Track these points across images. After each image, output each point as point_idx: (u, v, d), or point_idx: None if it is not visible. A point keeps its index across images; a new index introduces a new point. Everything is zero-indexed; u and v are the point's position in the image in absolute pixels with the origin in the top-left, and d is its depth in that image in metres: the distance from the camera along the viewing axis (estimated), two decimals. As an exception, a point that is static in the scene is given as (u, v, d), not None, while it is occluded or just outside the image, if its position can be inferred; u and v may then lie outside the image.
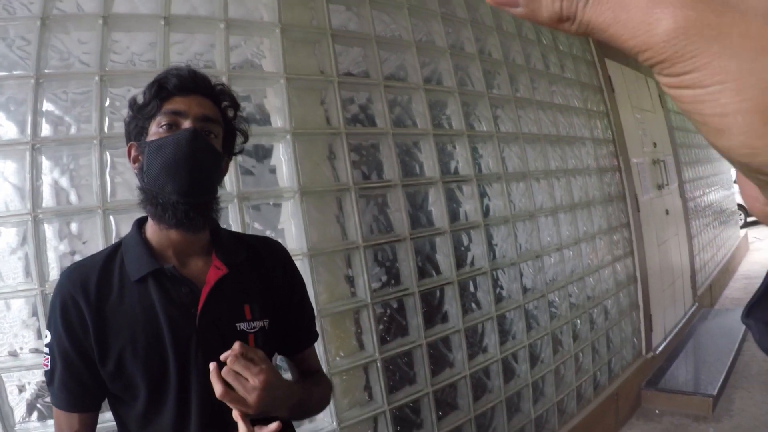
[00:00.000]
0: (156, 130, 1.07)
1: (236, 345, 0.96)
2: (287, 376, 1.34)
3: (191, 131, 1.04)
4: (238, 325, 1.11)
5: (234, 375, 0.94)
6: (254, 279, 1.19)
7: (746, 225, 10.14)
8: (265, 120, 2.07)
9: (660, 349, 4.27)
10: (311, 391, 1.23)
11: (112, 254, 1.12)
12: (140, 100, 1.11)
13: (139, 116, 1.10)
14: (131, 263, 1.08)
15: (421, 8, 2.61)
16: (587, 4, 0.26)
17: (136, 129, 1.10)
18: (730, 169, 7.73)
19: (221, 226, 1.25)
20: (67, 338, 1.02)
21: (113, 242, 1.71)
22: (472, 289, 2.59)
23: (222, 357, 0.95)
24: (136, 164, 1.10)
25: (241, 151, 1.26)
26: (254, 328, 1.13)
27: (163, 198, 1.04)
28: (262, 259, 1.24)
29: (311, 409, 1.30)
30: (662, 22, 0.24)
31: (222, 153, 1.13)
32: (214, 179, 1.13)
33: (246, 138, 1.25)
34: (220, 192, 1.18)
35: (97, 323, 1.03)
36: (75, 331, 1.02)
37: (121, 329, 1.03)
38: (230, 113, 1.18)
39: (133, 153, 1.12)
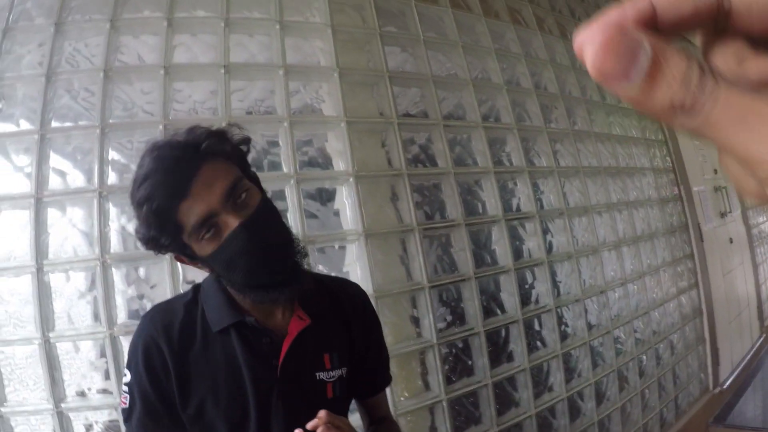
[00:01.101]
0: (200, 243, 0.96)
1: (322, 413, 0.91)
2: (356, 417, 1.33)
3: (242, 231, 0.94)
4: (317, 374, 1.10)
5: None
6: (335, 327, 1.17)
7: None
8: (328, 163, 2.10)
9: (728, 383, 4.07)
10: None
11: (193, 301, 1.11)
12: (150, 233, 0.96)
13: (164, 249, 0.99)
14: (212, 313, 1.08)
15: (474, 46, 2.63)
16: (716, 102, 0.22)
17: (173, 251, 1.01)
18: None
19: None
20: (149, 380, 1.03)
21: (180, 287, 1.75)
22: (537, 327, 2.53)
23: (309, 426, 0.91)
24: (202, 265, 1.04)
25: (248, 151, 1.09)
26: (333, 377, 1.12)
27: (263, 290, 1.01)
28: (343, 305, 1.21)
29: None
30: None
31: (265, 196, 1.05)
32: (285, 229, 1.07)
33: (248, 141, 1.08)
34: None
35: (180, 370, 1.03)
36: (157, 375, 1.03)
37: (203, 378, 1.04)
38: (227, 148, 1.01)
39: (188, 261, 1.04)
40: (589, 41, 0.23)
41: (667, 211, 3.77)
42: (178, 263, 1.51)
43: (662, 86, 0.22)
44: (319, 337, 1.12)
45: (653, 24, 0.24)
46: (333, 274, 2.01)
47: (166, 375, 1.03)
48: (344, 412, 1.18)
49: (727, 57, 0.26)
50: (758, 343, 4.89)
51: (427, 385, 2.11)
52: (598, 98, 3.33)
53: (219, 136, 1.01)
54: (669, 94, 0.22)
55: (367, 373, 1.25)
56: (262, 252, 0.97)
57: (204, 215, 0.93)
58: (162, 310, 1.13)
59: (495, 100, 2.66)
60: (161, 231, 0.94)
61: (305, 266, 1.10)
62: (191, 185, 0.93)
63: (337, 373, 1.13)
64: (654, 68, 0.22)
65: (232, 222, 0.94)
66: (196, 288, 1.14)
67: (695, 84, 0.22)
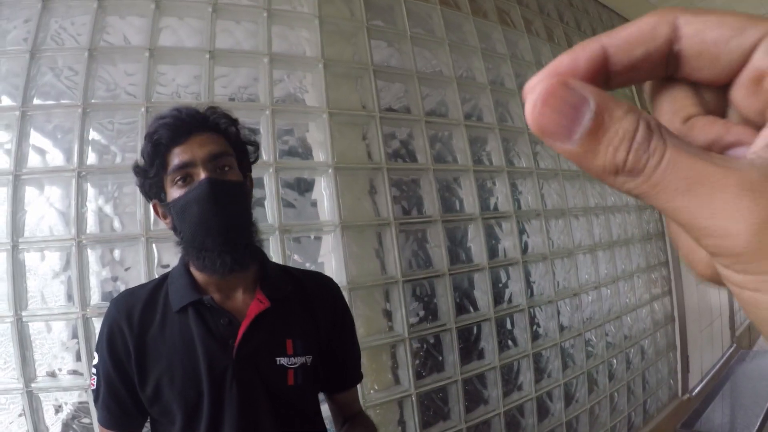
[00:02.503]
0: (172, 187, 1.06)
1: None
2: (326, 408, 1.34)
3: (207, 182, 1.02)
4: (278, 359, 1.10)
5: None
6: (300, 315, 1.17)
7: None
8: (308, 154, 2.10)
9: (696, 390, 4.13)
10: None
11: (159, 285, 1.14)
12: (142, 163, 1.09)
13: (148, 179, 1.09)
14: (174, 294, 1.10)
15: (461, 44, 2.64)
16: (660, 164, 0.20)
17: (152, 190, 1.10)
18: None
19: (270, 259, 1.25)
20: (111, 363, 1.06)
21: (155, 270, 1.75)
22: (509, 326, 2.55)
23: None
24: (167, 220, 1.11)
25: (256, 159, 1.22)
26: (295, 363, 1.12)
27: (207, 252, 1.05)
28: (311, 295, 1.22)
29: None
30: (754, 213, 0.19)
31: (242, 181, 1.12)
32: (246, 213, 1.12)
33: (257, 146, 1.22)
34: (260, 224, 1.18)
35: (139, 351, 1.05)
36: (119, 357, 1.06)
37: (160, 357, 1.05)
38: (232, 131, 1.14)
39: (159, 211, 1.12)
40: (531, 92, 0.21)
41: (644, 218, 3.82)
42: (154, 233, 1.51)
43: (604, 146, 0.21)
44: (280, 322, 1.13)
45: (604, 69, 0.23)
46: (308, 266, 2.02)
47: (128, 357, 1.05)
48: (307, 402, 1.18)
49: (675, 112, 0.25)
50: (728, 353, 4.97)
51: (397, 379, 2.11)
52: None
53: (233, 122, 1.14)
54: (611, 155, 0.21)
55: (337, 367, 1.25)
56: (217, 211, 1.03)
57: (185, 161, 1.04)
58: (128, 293, 1.15)
59: (478, 99, 2.67)
60: (152, 164, 1.06)
61: (258, 254, 1.16)
62: (189, 138, 1.05)
63: (299, 360, 1.13)
64: (597, 126, 0.21)
65: (202, 175, 1.03)
66: (165, 275, 1.17)
67: (640, 144, 0.20)
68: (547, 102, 0.21)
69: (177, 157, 1.04)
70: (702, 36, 0.22)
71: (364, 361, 1.98)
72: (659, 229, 3.97)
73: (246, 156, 1.18)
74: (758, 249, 0.19)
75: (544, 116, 0.21)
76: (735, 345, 5.19)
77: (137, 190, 1.70)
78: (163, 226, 1.68)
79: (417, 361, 2.18)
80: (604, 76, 0.24)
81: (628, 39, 0.23)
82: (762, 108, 0.23)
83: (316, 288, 1.25)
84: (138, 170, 1.10)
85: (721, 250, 0.20)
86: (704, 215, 0.20)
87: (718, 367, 4.65)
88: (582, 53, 0.23)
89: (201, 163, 1.04)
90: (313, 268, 2.00)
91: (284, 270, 1.26)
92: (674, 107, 0.25)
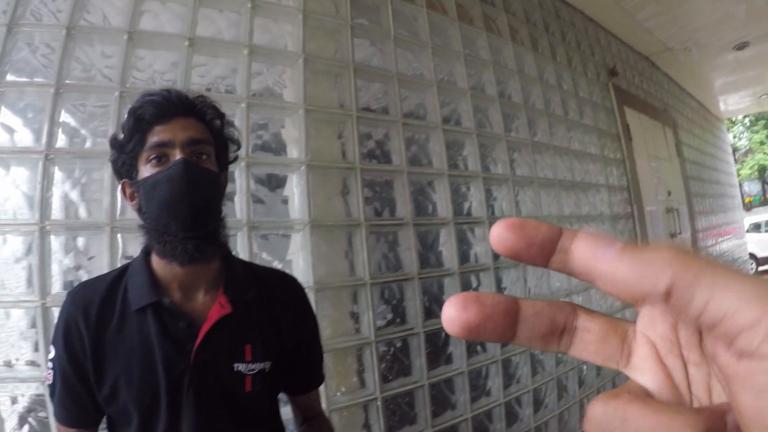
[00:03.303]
0: (145, 166, 1.04)
1: None
2: (286, 411, 1.32)
3: (182, 163, 1.01)
4: (235, 365, 1.08)
5: None
6: (261, 319, 1.15)
7: (757, 274, 10.05)
8: (281, 149, 2.07)
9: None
10: None
11: (118, 278, 1.10)
12: (120, 136, 1.07)
13: (123, 154, 1.06)
14: (133, 291, 1.07)
15: (444, 48, 2.64)
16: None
17: (124, 167, 1.07)
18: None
19: (234, 254, 1.23)
20: (67, 359, 1.03)
21: (119, 261, 1.71)
22: (478, 331, 2.54)
23: None
24: (133, 202, 1.08)
25: (235, 159, 1.21)
26: (253, 370, 1.10)
27: (169, 236, 1.03)
28: (274, 297, 1.20)
29: None
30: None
31: (218, 172, 1.10)
32: (216, 204, 1.10)
33: (239, 146, 1.21)
34: (228, 220, 1.17)
35: (96, 348, 1.02)
36: (75, 353, 1.02)
37: (117, 357, 1.02)
38: (217, 124, 1.12)
39: (127, 191, 1.09)
40: None
41: (618, 228, 3.85)
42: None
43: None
44: (241, 327, 1.11)
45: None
46: (276, 264, 2.00)
47: (84, 354, 1.02)
48: (264, 408, 1.16)
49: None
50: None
51: (362, 382, 2.10)
52: (561, 113, 3.37)
53: (220, 116, 1.13)
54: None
55: (299, 369, 1.23)
56: (186, 194, 1.01)
57: (164, 140, 1.02)
58: (85, 286, 1.11)
59: (458, 103, 2.67)
60: (130, 138, 1.04)
61: (222, 248, 1.13)
62: (173, 119, 1.04)
63: (258, 366, 1.11)
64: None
65: (177, 157, 1.02)
66: (125, 266, 1.13)
67: None
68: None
69: (157, 135, 1.03)
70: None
71: (330, 363, 1.98)
72: (633, 239, 3.99)
73: (225, 152, 1.16)
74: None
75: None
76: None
77: (104, 177, 1.70)
78: (131, 215, 1.66)
79: (383, 365, 2.17)
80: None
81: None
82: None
83: (281, 289, 1.23)
84: (115, 143, 1.08)
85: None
86: None
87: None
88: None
89: (179, 145, 1.03)
90: (281, 266, 1.97)
91: (249, 269, 1.22)
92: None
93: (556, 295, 3.00)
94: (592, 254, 0.24)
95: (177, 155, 1.02)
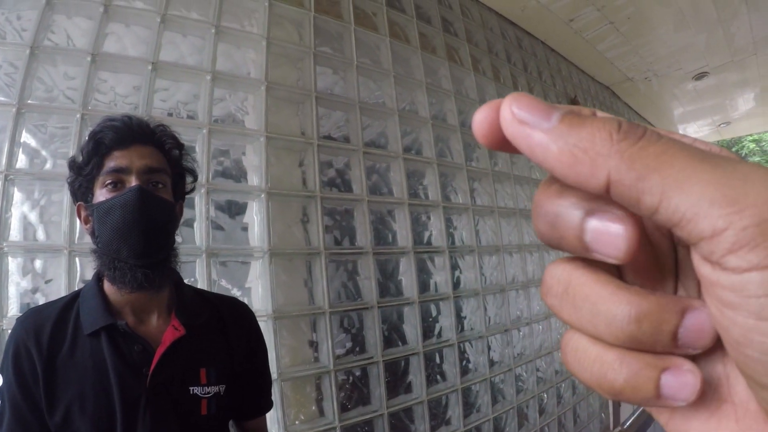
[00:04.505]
0: (101, 190, 1.04)
1: None
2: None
3: (137, 190, 1.02)
4: (191, 389, 1.08)
5: None
6: (215, 343, 1.16)
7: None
8: (242, 176, 2.06)
9: (628, 423, 4.23)
10: None
11: (70, 303, 1.09)
12: (79, 159, 1.08)
13: (81, 177, 1.07)
14: (86, 315, 1.05)
15: (407, 77, 2.67)
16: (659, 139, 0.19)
17: (81, 189, 1.08)
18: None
19: (185, 281, 1.23)
20: (18, 386, 0.99)
21: (76, 285, 1.68)
22: (438, 360, 2.55)
23: None
24: (87, 225, 1.08)
25: (192, 190, 1.24)
26: (208, 393, 1.10)
27: (120, 262, 1.03)
28: (226, 322, 1.21)
29: None
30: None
31: (173, 202, 1.11)
32: (168, 233, 1.11)
33: (195, 177, 1.23)
34: (187, 246, 1.17)
35: (47, 374, 1.00)
36: (26, 380, 1.00)
37: (70, 383, 1.00)
38: (175, 153, 1.15)
39: (82, 214, 1.09)
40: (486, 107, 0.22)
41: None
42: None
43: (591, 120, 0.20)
44: (195, 351, 1.11)
45: None
46: (234, 291, 1.98)
47: (35, 380, 1.00)
48: (219, 431, 1.15)
49: None
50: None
51: (321, 411, 2.07)
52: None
53: (179, 146, 1.16)
54: (602, 123, 0.20)
55: (249, 395, 1.24)
56: (143, 221, 1.02)
57: (121, 166, 1.04)
58: (35, 312, 1.09)
59: (419, 133, 2.70)
60: (89, 161, 1.05)
61: (172, 276, 1.15)
62: (131, 146, 1.06)
63: (213, 389, 1.11)
64: (576, 111, 0.21)
65: (133, 183, 1.03)
66: (77, 292, 1.12)
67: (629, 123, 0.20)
68: (518, 97, 0.20)
69: (114, 160, 1.04)
70: None
71: (289, 392, 1.96)
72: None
73: (182, 182, 1.18)
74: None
75: (518, 100, 0.20)
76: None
77: (64, 200, 1.68)
78: (89, 240, 1.64)
79: (342, 394, 2.15)
80: None
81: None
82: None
83: (232, 315, 1.24)
84: (74, 165, 1.08)
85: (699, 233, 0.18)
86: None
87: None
88: None
89: (136, 172, 1.04)
90: (239, 293, 1.96)
91: (199, 294, 1.24)
92: None
93: (516, 324, 3.02)
94: (522, 124, 0.20)
95: (133, 182, 1.03)
